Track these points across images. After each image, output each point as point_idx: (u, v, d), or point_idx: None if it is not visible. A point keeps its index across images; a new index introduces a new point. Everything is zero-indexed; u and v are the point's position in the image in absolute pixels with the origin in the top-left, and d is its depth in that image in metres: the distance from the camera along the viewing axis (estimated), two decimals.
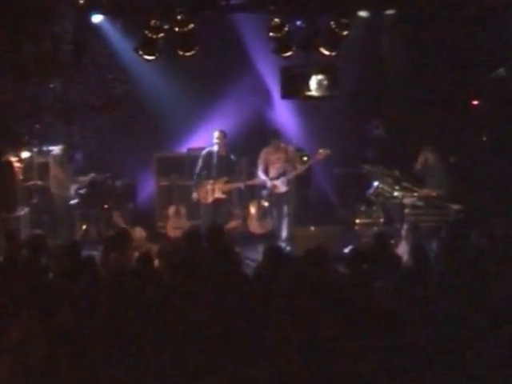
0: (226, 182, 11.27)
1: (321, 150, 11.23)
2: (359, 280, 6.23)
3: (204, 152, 11.34)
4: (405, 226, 10.18)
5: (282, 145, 11.35)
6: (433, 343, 4.99)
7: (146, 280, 6.11)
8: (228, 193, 11.41)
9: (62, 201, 11.42)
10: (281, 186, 11.28)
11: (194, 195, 11.38)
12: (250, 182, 11.57)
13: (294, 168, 11.33)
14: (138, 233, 10.69)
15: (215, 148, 11.20)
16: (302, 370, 4.70)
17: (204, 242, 7.84)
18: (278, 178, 11.31)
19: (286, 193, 11.32)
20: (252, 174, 11.77)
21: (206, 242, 7.84)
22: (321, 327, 5.15)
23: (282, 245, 10.67)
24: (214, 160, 11.14)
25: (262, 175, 11.36)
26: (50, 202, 11.60)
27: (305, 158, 12.04)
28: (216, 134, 11.22)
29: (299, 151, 12.09)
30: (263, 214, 12.04)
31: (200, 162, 11.30)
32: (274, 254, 6.84)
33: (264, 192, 11.59)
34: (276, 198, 11.40)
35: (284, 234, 11.25)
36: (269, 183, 11.31)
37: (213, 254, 7.20)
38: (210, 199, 11.26)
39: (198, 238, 7.79)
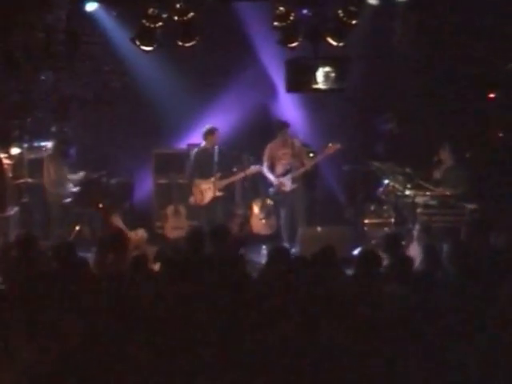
0: (221, 178, 11.26)
1: (330, 144, 11.22)
2: (369, 284, 6.18)
3: (195, 151, 11.33)
4: (417, 227, 10.11)
5: (289, 139, 11.33)
6: (446, 350, 4.95)
7: (140, 283, 6.10)
8: (225, 189, 11.39)
9: (56, 199, 11.36)
10: (288, 184, 11.26)
11: (191, 199, 11.36)
12: (248, 172, 11.51)
13: (302, 164, 11.31)
14: (140, 234, 10.65)
15: (205, 145, 11.23)
16: (302, 376, 4.69)
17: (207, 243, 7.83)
18: (284, 175, 11.28)
19: (293, 191, 11.29)
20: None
21: (210, 243, 7.81)
22: (326, 333, 5.12)
23: (287, 245, 10.64)
24: (207, 158, 11.13)
25: (268, 173, 11.33)
26: (41, 201, 11.55)
27: (311, 155, 11.96)
28: (205, 130, 11.28)
29: (305, 147, 12.04)
30: (267, 213, 11.99)
31: (192, 162, 11.29)
32: (280, 256, 6.78)
33: (271, 190, 11.54)
34: (283, 197, 11.38)
35: (293, 234, 11.20)
36: (275, 181, 11.29)
37: (216, 256, 7.18)
38: (207, 199, 11.24)
39: (200, 239, 7.73)
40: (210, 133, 11.29)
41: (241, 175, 11.57)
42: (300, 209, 11.35)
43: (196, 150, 11.42)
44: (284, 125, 11.39)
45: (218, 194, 11.32)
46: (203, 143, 11.36)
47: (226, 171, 11.37)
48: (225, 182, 11.38)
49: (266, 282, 6.14)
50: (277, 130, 11.38)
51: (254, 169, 11.50)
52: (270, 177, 11.35)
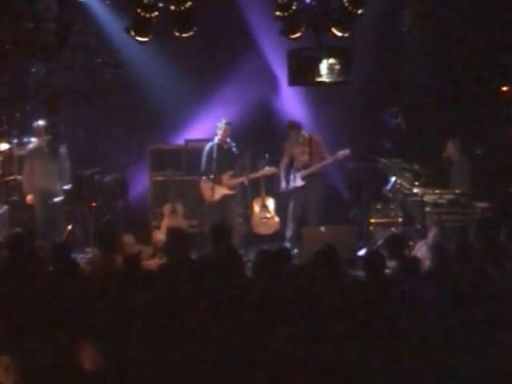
0: (232, 176, 11.27)
1: (340, 152, 11.26)
2: (377, 286, 6.17)
3: (207, 148, 11.30)
4: (433, 231, 10.09)
5: (305, 136, 11.40)
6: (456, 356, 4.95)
7: (134, 283, 6.10)
8: (235, 188, 11.39)
9: (41, 197, 11.31)
10: (296, 180, 11.33)
11: (207, 196, 11.30)
12: (253, 175, 11.51)
13: (322, 160, 11.34)
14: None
15: (216, 140, 11.19)
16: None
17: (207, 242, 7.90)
18: (299, 171, 11.40)
19: (303, 188, 11.30)
20: (256, 168, 11.71)
21: (210, 243, 7.82)
22: (330, 339, 5.10)
23: (288, 245, 10.67)
24: (215, 153, 11.10)
25: (282, 170, 11.48)
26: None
27: None
28: (220, 124, 11.24)
29: None
30: (268, 212, 11.99)
31: (205, 158, 11.26)
32: (266, 261, 6.73)
33: (283, 185, 11.55)
34: (292, 192, 11.46)
35: (297, 233, 11.20)
36: (283, 181, 11.46)
37: (215, 256, 7.17)
38: (216, 197, 11.20)
39: (184, 241, 7.71)
40: (220, 127, 11.27)
41: (255, 175, 11.53)
42: (312, 207, 11.38)
43: (208, 146, 11.35)
44: (294, 126, 11.43)
45: (229, 192, 11.31)
46: (218, 138, 11.27)
47: (226, 168, 11.30)
48: (236, 180, 11.35)
49: (263, 285, 6.12)
50: (288, 130, 11.43)
51: (268, 170, 11.48)
52: (282, 175, 11.49)
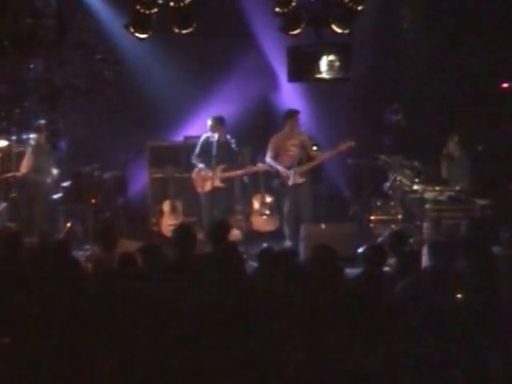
0: (225, 170, 11.20)
1: (344, 142, 11.11)
2: (375, 281, 6.17)
3: (203, 138, 11.26)
4: (425, 224, 10.10)
5: (297, 129, 11.27)
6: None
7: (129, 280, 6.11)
8: (226, 181, 11.31)
9: (40, 189, 11.32)
10: (295, 177, 11.14)
11: (199, 188, 11.27)
12: (249, 170, 11.44)
13: (308, 157, 11.23)
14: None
15: (214, 135, 11.14)
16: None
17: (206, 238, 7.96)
18: (290, 167, 11.19)
19: (297, 185, 11.20)
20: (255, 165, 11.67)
21: (208, 239, 7.84)
22: (330, 336, 5.11)
23: (289, 243, 10.64)
24: (213, 148, 11.07)
25: (273, 164, 11.18)
26: (29, 196, 11.53)
27: (314, 148, 11.87)
28: (210, 121, 11.18)
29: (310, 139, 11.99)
30: (268, 209, 11.99)
31: (198, 148, 11.23)
32: (269, 258, 6.74)
33: (276, 181, 11.46)
34: (286, 190, 11.28)
35: (295, 230, 11.14)
36: (283, 171, 11.15)
37: (214, 253, 7.18)
38: (207, 188, 11.18)
39: (190, 235, 7.71)
40: (209, 123, 11.23)
41: (249, 171, 11.46)
42: (305, 205, 11.24)
43: (203, 137, 11.31)
44: (295, 112, 11.27)
45: (220, 184, 11.24)
46: (215, 134, 11.21)
47: (223, 163, 11.25)
48: (228, 174, 11.28)
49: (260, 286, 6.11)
50: (286, 119, 11.27)
51: (262, 166, 11.32)
52: (278, 167, 11.18)
